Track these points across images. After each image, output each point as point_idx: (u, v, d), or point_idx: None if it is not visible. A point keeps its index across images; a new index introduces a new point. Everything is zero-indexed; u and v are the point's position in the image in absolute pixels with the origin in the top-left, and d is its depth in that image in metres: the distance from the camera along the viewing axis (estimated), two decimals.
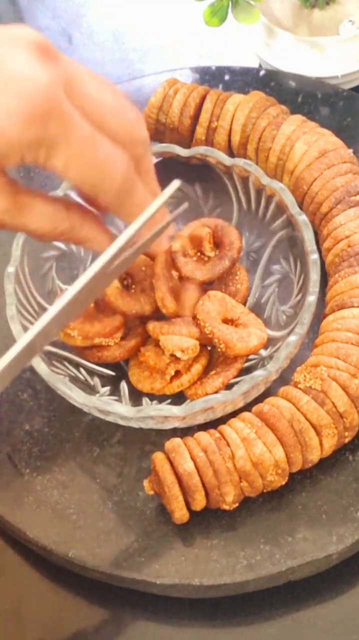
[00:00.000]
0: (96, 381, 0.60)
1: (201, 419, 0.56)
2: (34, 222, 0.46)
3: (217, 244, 0.62)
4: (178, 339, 0.57)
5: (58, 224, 0.47)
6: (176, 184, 0.48)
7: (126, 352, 0.60)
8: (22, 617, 0.55)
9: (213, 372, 0.58)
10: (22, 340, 0.43)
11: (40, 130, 0.42)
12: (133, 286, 0.61)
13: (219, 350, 0.58)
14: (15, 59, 0.41)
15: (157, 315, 0.61)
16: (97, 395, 0.59)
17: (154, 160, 0.65)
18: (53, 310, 0.44)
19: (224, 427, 0.54)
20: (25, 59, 0.41)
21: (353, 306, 0.57)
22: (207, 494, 0.53)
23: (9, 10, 0.93)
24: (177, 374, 0.58)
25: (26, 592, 0.56)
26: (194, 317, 0.58)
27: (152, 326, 0.58)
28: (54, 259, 0.63)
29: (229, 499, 0.53)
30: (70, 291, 0.45)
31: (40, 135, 0.42)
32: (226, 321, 0.58)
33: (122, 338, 0.60)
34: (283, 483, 0.54)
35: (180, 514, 0.53)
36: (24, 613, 0.55)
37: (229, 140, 0.68)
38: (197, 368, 0.58)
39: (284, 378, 0.57)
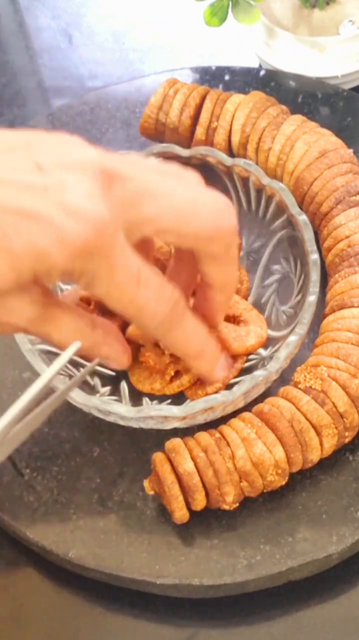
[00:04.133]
0: (96, 381, 0.60)
1: (201, 419, 0.56)
2: (57, 335, 0.45)
3: None
4: None
5: (81, 339, 0.46)
6: (75, 345, 0.46)
7: None
8: (21, 617, 0.55)
9: None
10: None
11: (85, 263, 0.41)
12: None
13: None
14: (78, 189, 0.40)
15: None
16: (97, 395, 0.59)
17: (154, 160, 0.65)
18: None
19: (224, 427, 0.54)
20: (88, 190, 0.40)
21: (353, 306, 0.57)
22: (207, 494, 0.53)
23: (9, 10, 0.93)
24: (177, 374, 0.58)
25: (26, 592, 0.56)
26: None
27: None
28: None
29: (229, 499, 0.53)
30: None
31: (84, 268, 0.41)
32: (228, 317, 0.58)
33: None
34: (283, 483, 0.54)
35: (180, 514, 0.53)
36: (24, 613, 0.55)
37: (229, 140, 0.68)
38: None
39: (284, 378, 0.57)
